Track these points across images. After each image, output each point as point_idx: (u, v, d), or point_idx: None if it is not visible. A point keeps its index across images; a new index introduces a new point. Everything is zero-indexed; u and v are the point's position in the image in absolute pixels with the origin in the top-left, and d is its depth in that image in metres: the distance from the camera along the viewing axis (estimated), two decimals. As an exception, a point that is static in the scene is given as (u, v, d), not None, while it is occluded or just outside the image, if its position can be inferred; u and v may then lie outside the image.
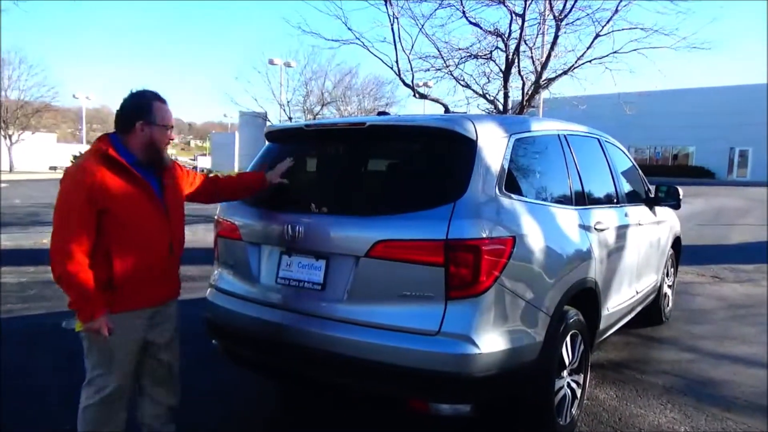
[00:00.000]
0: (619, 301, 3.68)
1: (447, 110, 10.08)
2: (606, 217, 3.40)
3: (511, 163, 2.63)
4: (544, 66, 9.72)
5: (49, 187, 17.65)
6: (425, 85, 12.99)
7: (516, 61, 9.75)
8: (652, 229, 4.41)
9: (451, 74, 10.68)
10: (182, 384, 2.61)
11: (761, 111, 34.54)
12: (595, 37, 9.68)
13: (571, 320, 2.77)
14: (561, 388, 2.80)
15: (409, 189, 2.60)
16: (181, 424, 2.60)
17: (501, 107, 10.25)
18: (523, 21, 9.43)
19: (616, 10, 9.36)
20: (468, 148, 2.49)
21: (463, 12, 9.80)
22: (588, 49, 9.80)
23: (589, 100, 11.90)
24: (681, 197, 4.60)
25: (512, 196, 2.54)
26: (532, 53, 9.91)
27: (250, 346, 2.84)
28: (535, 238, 2.55)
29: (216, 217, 3.14)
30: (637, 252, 3.95)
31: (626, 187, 4.13)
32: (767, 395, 3.51)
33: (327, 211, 2.65)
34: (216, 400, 3.38)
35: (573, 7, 9.51)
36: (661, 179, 15.47)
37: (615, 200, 3.80)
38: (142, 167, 2.30)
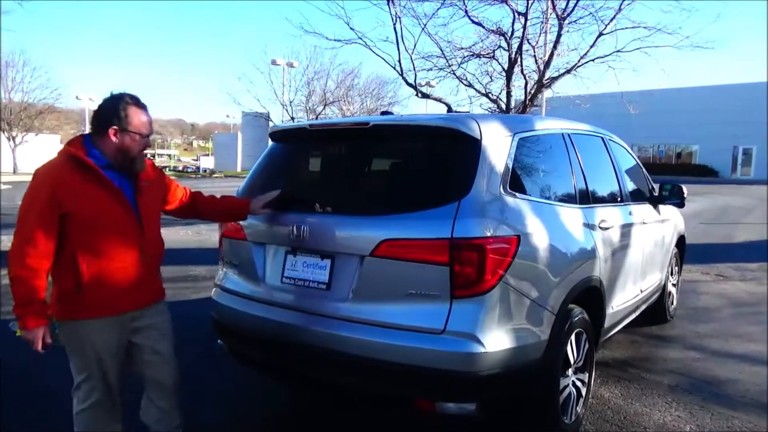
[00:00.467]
0: (624, 299, 3.67)
1: (450, 110, 10.08)
2: (610, 215, 3.40)
3: (515, 162, 2.63)
4: (547, 65, 9.73)
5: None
6: (428, 84, 12.99)
7: (519, 60, 9.75)
8: (657, 228, 4.40)
9: (454, 73, 10.69)
10: (188, 384, 2.60)
11: (764, 109, 34.45)
12: (598, 36, 9.68)
13: (576, 319, 2.77)
14: (566, 386, 2.80)
15: (414, 188, 2.61)
16: (187, 424, 2.60)
17: (504, 106, 10.25)
18: (526, 20, 9.43)
19: (620, 9, 9.37)
20: (472, 147, 2.49)
21: (466, 11, 9.82)
22: (591, 47, 9.82)
23: (593, 98, 11.89)
24: (685, 196, 4.58)
25: (516, 195, 2.54)
26: (534, 52, 9.91)
27: (256, 345, 2.85)
28: (539, 237, 2.55)
29: None
30: (641, 250, 3.94)
31: (630, 186, 4.12)
32: (773, 393, 3.50)
33: (332, 211, 2.66)
34: (221, 399, 3.39)
35: (576, 5, 9.52)
36: (665, 178, 15.42)
37: (619, 199, 3.80)
38: (114, 170, 2.22)
